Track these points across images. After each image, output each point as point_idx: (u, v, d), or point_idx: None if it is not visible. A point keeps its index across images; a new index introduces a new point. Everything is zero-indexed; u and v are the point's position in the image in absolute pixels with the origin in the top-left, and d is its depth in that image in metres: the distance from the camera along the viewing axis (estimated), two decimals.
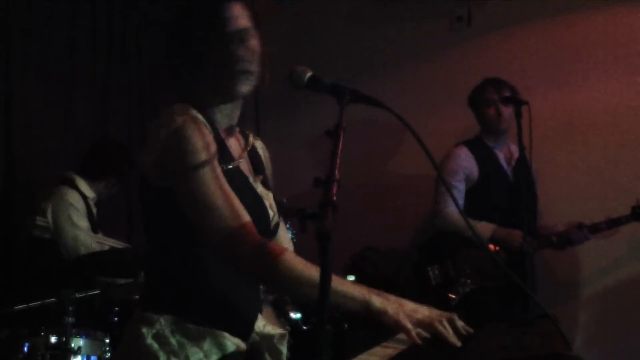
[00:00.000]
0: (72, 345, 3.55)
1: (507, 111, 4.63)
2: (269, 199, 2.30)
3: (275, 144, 5.31)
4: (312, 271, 1.98)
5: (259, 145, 2.44)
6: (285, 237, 2.47)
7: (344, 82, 1.98)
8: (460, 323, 2.15)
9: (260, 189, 2.28)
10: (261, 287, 3.20)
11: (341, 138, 1.77)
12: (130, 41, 5.63)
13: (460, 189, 4.71)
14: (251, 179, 2.26)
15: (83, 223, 4.45)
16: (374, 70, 5.68)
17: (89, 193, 4.60)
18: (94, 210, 4.62)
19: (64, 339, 3.54)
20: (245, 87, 2.21)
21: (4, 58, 4.88)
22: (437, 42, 5.60)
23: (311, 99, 5.26)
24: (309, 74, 2.02)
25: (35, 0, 5.02)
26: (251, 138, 2.38)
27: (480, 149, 4.79)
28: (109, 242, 4.52)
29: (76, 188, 4.53)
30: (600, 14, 5.15)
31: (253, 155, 2.37)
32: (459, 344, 2.01)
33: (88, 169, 4.66)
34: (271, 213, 2.27)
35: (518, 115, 4.17)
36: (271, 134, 5.29)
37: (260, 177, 2.33)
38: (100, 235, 4.58)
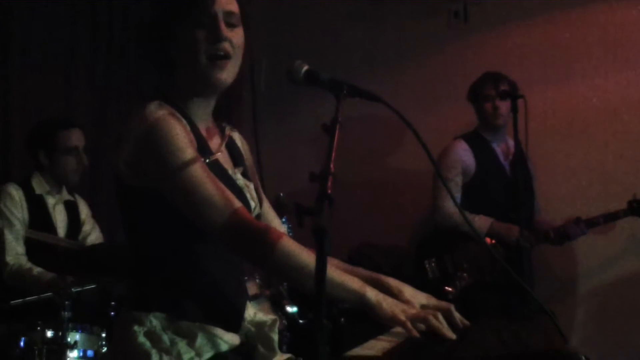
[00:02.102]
0: (69, 339, 3.55)
1: (505, 106, 4.62)
2: (249, 190, 2.29)
3: (274, 139, 5.39)
4: (309, 258, 1.98)
5: (237, 136, 2.43)
6: (277, 225, 2.46)
7: (342, 78, 1.98)
8: (457, 315, 2.15)
9: (240, 180, 2.27)
10: (258, 281, 3.21)
11: (337, 132, 1.77)
12: (131, 41, 5.61)
13: (457, 183, 4.71)
14: (230, 171, 2.25)
15: (15, 221, 4.24)
16: (372, 67, 5.68)
17: (41, 189, 4.39)
18: (50, 205, 4.41)
19: (60, 333, 3.55)
20: (223, 75, 2.16)
21: (3, 57, 4.88)
22: (434, 39, 5.60)
23: (310, 95, 5.24)
24: (306, 68, 2.03)
25: (36, 0, 5.02)
26: (227, 130, 2.36)
27: (478, 143, 4.79)
28: (55, 241, 4.28)
29: (25, 184, 4.35)
30: (597, 10, 5.15)
31: (231, 147, 2.35)
32: (453, 336, 2.01)
33: (33, 160, 4.45)
34: (252, 204, 2.27)
35: (514, 109, 4.18)
36: (270, 130, 5.28)
37: (240, 168, 2.32)
38: (35, 231, 4.28)
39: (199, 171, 2.03)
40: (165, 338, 2.06)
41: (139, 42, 2.31)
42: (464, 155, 4.76)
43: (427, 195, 4.86)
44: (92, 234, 4.58)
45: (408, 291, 2.25)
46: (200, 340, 2.07)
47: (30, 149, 4.44)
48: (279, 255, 2.00)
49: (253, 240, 2.03)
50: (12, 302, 3.72)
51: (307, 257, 2.00)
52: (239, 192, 2.19)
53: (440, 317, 2.06)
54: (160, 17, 2.19)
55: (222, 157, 2.27)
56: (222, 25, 2.14)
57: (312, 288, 1.60)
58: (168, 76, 2.22)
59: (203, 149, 2.15)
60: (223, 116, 2.38)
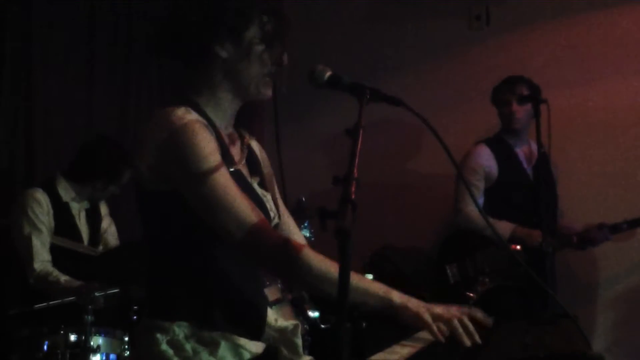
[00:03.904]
0: (92, 343, 3.57)
1: (523, 110, 4.60)
2: (267, 200, 2.28)
3: (294, 143, 5.39)
4: (331, 268, 1.98)
5: (255, 145, 2.41)
6: (297, 235, 2.44)
7: (361, 81, 1.98)
8: (479, 315, 2.15)
9: (258, 190, 2.27)
10: (279, 285, 3.20)
11: (360, 137, 1.77)
12: (151, 41, 5.62)
13: (479, 187, 4.69)
14: (249, 180, 2.25)
15: (42, 227, 4.22)
16: (392, 70, 5.67)
17: (67, 196, 4.36)
18: (75, 212, 4.41)
19: (83, 337, 3.56)
20: (269, 91, 2.23)
21: (25, 58, 4.92)
22: (455, 41, 5.58)
23: (330, 98, 5.25)
24: (329, 72, 2.03)
25: (56, 1, 5.05)
26: (247, 138, 2.35)
27: (500, 147, 4.77)
28: (76, 248, 4.33)
29: (51, 190, 4.32)
30: (619, 13, 5.12)
31: (249, 155, 2.34)
32: (478, 341, 2.01)
33: (75, 170, 4.41)
34: (272, 214, 2.26)
35: (536, 113, 4.15)
36: (290, 133, 5.27)
37: (257, 178, 2.31)
38: (63, 239, 4.31)
39: (224, 179, 2.02)
40: (188, 347, 2.06)
41: (180, 21, 2.24)
42: (486, 160, 4.73)
43: (449, 199, 4.84)
44: (108, 231, 4.59)
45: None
46: (222, 349, 2.06)
47: (94, 171, 4.41)
48: (302, 267, 2.02)
49: (275, 253, 2.03)
50: (35, 305, 3.74)
51: (330, 266, 2.00)
52: (260, 203, 2.18)
53: (466, 320, 2.06)
54: (231, 12, 2.15)
55: (242, 166, 2.26)
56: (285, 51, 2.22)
57: (334, 297, 1.61)
58: (201, 72, 2.20)
59: (226, 157, 2.13)
60: (244, 119, 2.38)
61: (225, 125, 2.24)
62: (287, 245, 2.03)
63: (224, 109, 2.22)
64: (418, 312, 2.04)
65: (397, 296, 2.07)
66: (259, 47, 2.16)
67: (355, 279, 1.99)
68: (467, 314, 2.16)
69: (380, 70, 5.63)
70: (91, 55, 5.34)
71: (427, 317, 2.04)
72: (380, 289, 2.08)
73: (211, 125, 2.13)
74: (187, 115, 2.05)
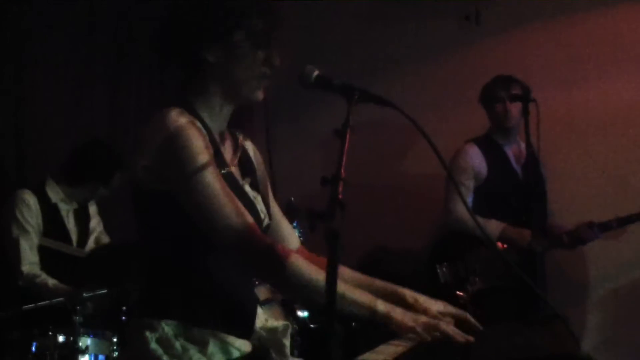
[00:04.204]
0: (80, 344, 3.57)
1: (516, 108, 4.60)
2: (258, 202, 2.28)
3: (287, 143, 5.38)
4: (319, 275, 1.99)
5: (249, 146, 2.41)
6: (291, 237, 2.45)
7: (353, 81, 1.97)
8: (473, 321, 2.15)
9: (249, 192, 2.27)
10: (269, 285, 3.20)
11: (348, 137, 1.77)
12: (146, 43, 5.60)
13: (469, 187, 4.69)
14: (241, 182, 2.25)
15: (30, 229, 4.23)
16: (383, 69, 5.66)
17: (56, 197, 4.37)
18: (64, 213, 4.41)
19: (71, 338, 3.56)
20: (261, 94, 2.22)
21: (25, 58, 4.91)
22: (445, 42, 5.58)
23: (323, 99, 5.22)
24: (316, 73, 2.03)
25: (56, 1, 5.04)
26: (241, 139, 2.36)
27: (489, 146, 4.77)
28: (64, 249, 4.33)
29: (39, 192, 4.32)
30: (612, 12, 5.12)
31: (242, 156, 2.34)
32: (470, 339, 2.01)
33: (65, 173, 4.43)
34: (262, 215, 2.26)
35: (525, 112, 4.15)
36: (282, 134, 5.27)
37: (249, 179, 2.31)
38: (52, 240, 4.32)
39: (214, 181, 2.03)
40: (177, 345, 2.06)
41: (172, 29, 2.25)
42: (475, 159, 4.73)
43: (441, 198, 4.84)
44: (97, 230, 4.58)
45: (423, 299, 2.25)
46: (212, 347, 2.07)
47: (84, 174, 4.44)
48: (288, 274, 2.03)
49: (262, 259, 2.05)
50: (23, 307, 3.72)
51: (316, 273, 2.02)
52: (250, 205, 2.19)
53: (452, 326, 2.07)
54: (217, 17, 2.15)
55: (234, 168, 2.26)
56: (276, 53, 2.20)
57: (322, 304, 1.61)
58: (194, 76, 2.21)
59: (218, 159, 2.14)
60: (238, 119, 2.37)
61: (218, 127, 2.24)
62: (273, 252, 2.04)
63: (217, 111, 2.22)
64: (402, 321, 2.06)
65: (382, 307, 2.08)
66: (248, 50, 2.16)
67: (342, 287, 1.99)
68: (463, 316, 2.17)
69: (380, 70, 5.64)
70: (91, 55, 5.33)
71: (412, 324, 2.05)
72: (365, 298, 2.09)
73: (204, 127, 2.14)
74: (180, 118, 2.06)
